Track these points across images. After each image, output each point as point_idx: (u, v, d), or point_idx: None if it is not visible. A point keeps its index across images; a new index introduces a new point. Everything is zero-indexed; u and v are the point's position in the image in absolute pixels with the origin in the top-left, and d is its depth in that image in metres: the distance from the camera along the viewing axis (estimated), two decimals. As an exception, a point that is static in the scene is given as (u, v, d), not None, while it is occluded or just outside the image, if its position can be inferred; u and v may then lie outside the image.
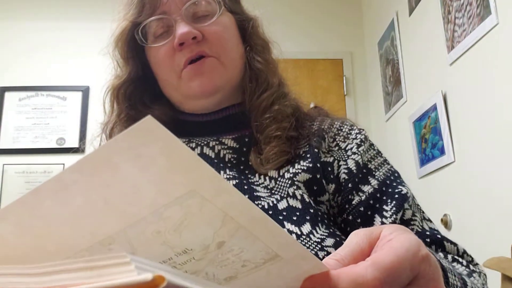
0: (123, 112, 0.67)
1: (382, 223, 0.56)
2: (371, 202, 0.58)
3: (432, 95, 2.09)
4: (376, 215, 0.57)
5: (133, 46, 0.67)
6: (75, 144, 2.84)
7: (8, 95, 2.89)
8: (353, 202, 0.59)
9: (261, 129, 0.64)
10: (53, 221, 0.22)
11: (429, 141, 2.13)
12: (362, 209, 0.58)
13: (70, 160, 2.79)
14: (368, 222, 0.58)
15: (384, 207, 0.57)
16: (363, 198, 0.59)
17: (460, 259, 0.54)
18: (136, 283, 0.16)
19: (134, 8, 0.64)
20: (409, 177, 2.31)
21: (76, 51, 2.96)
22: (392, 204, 0.57)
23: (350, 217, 0.59)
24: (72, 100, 2.92)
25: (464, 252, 0.56)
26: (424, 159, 2.19)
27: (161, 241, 0.24)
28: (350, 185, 0.60)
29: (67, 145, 2.85)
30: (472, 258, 0.56)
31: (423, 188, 2.20)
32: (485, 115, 1.70)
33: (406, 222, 0.57)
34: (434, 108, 2.07)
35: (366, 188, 0.59)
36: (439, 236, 0.56)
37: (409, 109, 2.37)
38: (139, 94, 0.68)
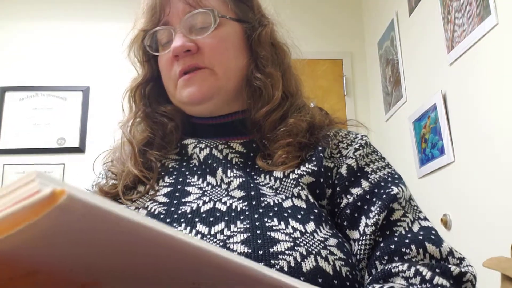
0: (140, 110, 0.71)
1: (366, 224, 0.56)
2: (359, 204, 0.58)
3: (432, 95, 2.09)
4: (362, 217, 0.57)
5: (148, 51, 0.70)
6: (75, 144, 2.84)
7: (8, 95, 2.89)
8: (341, 205, 0.59)
9: (272, 139, 0.65)
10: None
11: (429, 141, 2.13)
12: (348, 211, 0.58)
13: (70, 160, 2.80)
14: (355, 223, 0.57)
15: (372, 208, 0.57)
16: (350, 200, 0.59)
17: (437, 263, 0.51)
18: (31, 205, 0.14)
19: (143, 17, 0.68)
20: (409, 177, 2.31)
21: (76, 51, 2.97)
22: (378, 205, 0.56)
23: (339, 221, 0.59)
24: (73, 100, 2.92)
25: (450, 253, 0.53)
26: (424, 159, 2.19)
27: None
28: (338, 188, 0.61)
29: (67, 145, 2.85)
30: (460, 260, 0.53)
31: (423, 188, 2.20)
32: (485, 115, 1.70)
33: (392, 223, 0.56)
34: (434, 108, 2.07)
35: (355, 190, 0.60)
36: (421, 237, 0.53)
37: (409, 109, 2.37)
38: (155, 94, 0.72)
